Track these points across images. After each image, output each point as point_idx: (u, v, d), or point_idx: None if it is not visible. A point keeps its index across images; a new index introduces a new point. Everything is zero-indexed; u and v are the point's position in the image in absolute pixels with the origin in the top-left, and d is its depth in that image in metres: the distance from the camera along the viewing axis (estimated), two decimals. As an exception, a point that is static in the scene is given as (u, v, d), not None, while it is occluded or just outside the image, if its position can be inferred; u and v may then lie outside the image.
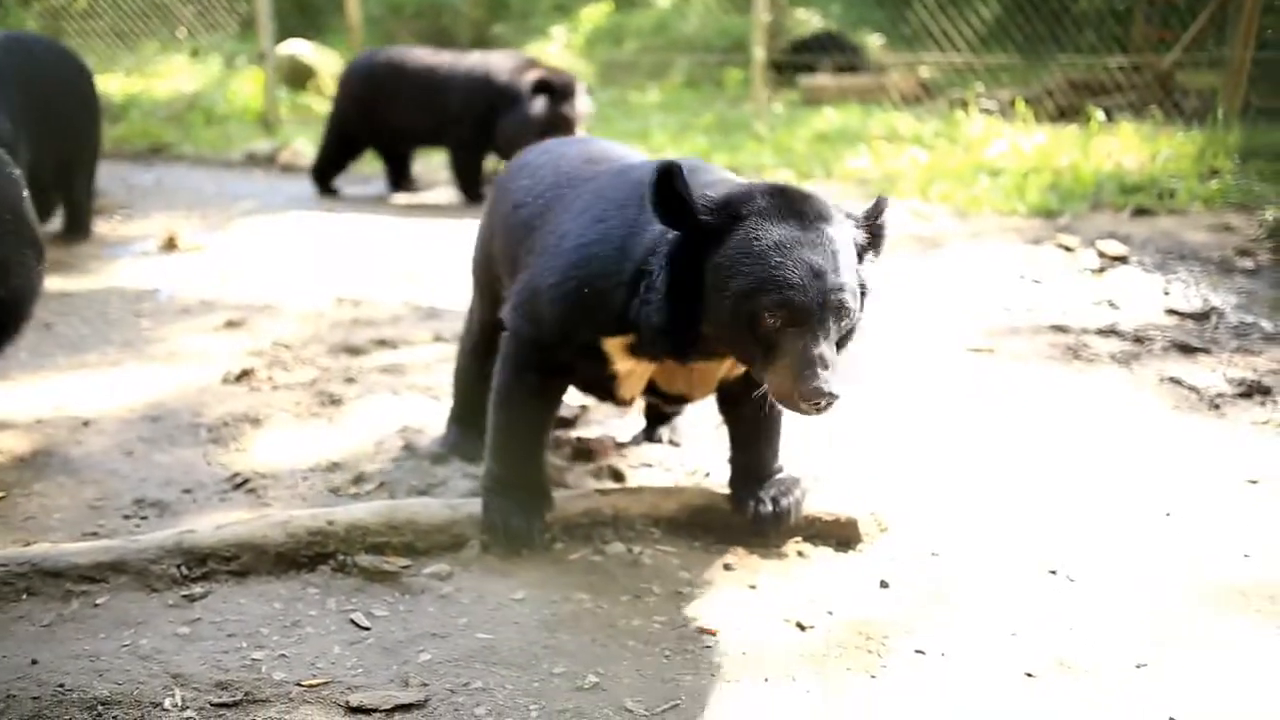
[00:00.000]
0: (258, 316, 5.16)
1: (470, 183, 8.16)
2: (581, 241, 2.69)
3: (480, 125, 7.75)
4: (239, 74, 12.94)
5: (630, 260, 2.58)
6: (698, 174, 2.70)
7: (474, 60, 8.01)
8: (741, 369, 2.79)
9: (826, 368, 2.32)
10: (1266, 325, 4.96)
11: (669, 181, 2.41)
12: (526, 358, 2.87)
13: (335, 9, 16.04)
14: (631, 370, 2.79)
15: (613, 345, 2.70)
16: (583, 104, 7.74)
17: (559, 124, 7.43)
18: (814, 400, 2.31)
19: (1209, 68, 10.75)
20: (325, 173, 8.54)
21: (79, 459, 3.53)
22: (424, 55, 8.21)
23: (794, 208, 2.45)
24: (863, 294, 2.55)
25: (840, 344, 2.50)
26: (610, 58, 15.71)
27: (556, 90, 7.59)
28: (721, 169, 2.89)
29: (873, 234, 2.61)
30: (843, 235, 2.47)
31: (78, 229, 6.72)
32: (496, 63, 7.90)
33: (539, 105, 7.56)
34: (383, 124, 8.17)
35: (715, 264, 2.44)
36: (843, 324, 2.43)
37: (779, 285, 2.34)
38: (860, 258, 2.56)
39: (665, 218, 2.46)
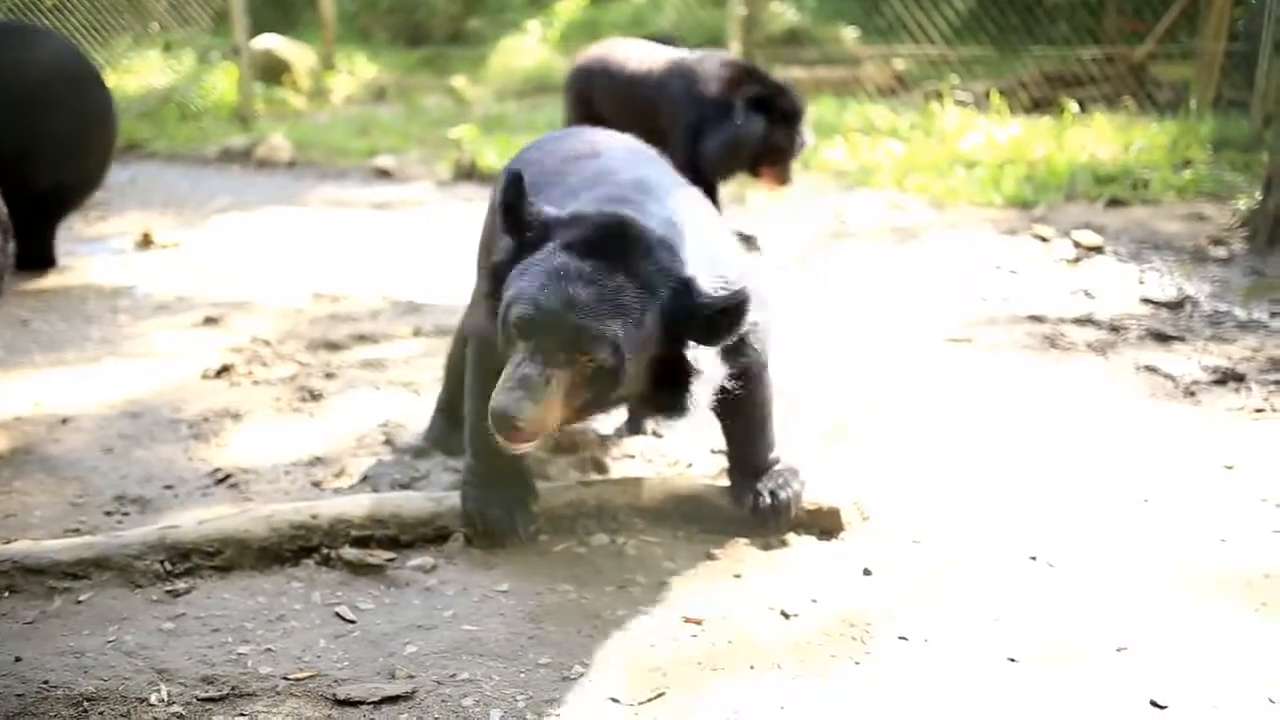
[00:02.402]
0: (236, 313, 5.14)
1: None
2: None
3: (694, 144, 6.30)
4: (213, 69, 12.85)
5: None
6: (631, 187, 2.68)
7: (684, 64, 6.51)
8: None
9: (525, 389, 2.28)
10: (1240, 313, 5.01)
11: (514, 191, 2.44)
12: (484, 355, 2.88)
13: (309, 3, 15.97)
14: None
15: None
16: (807, 131, 6.30)
17: (773, 154, 6.11)
18: (497, 415, 2.27)
19: (1181, 59, 10.85)
20: None
21: (59, 456, 3.51)
22: (632, 54, 6.81)
23: (596, 248, 2.39)
24: (679, 367, 2.45)
25: (602, 397, 2.45)
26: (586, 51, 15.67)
27: (777, 111, 6.07)
28: (665, 176, 2.88)
29: (721, 312, 2.39)
30: (633, 291, 2.37)
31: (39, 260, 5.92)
32: (708, 69, 6.36)
33: (751, 127, 6.05)
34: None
35: (513, 274, 2.47)
36: (586, 367, 2.34)
37: (525, 300, 2.34)
38: (677, 334, 2.43)
39: (507, 227, 2.49)
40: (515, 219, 2.48)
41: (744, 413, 2.95)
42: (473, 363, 2.97)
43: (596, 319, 2.31)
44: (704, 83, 6.24)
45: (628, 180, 2.72)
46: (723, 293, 2.40)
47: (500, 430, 2.30)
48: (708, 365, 2.52)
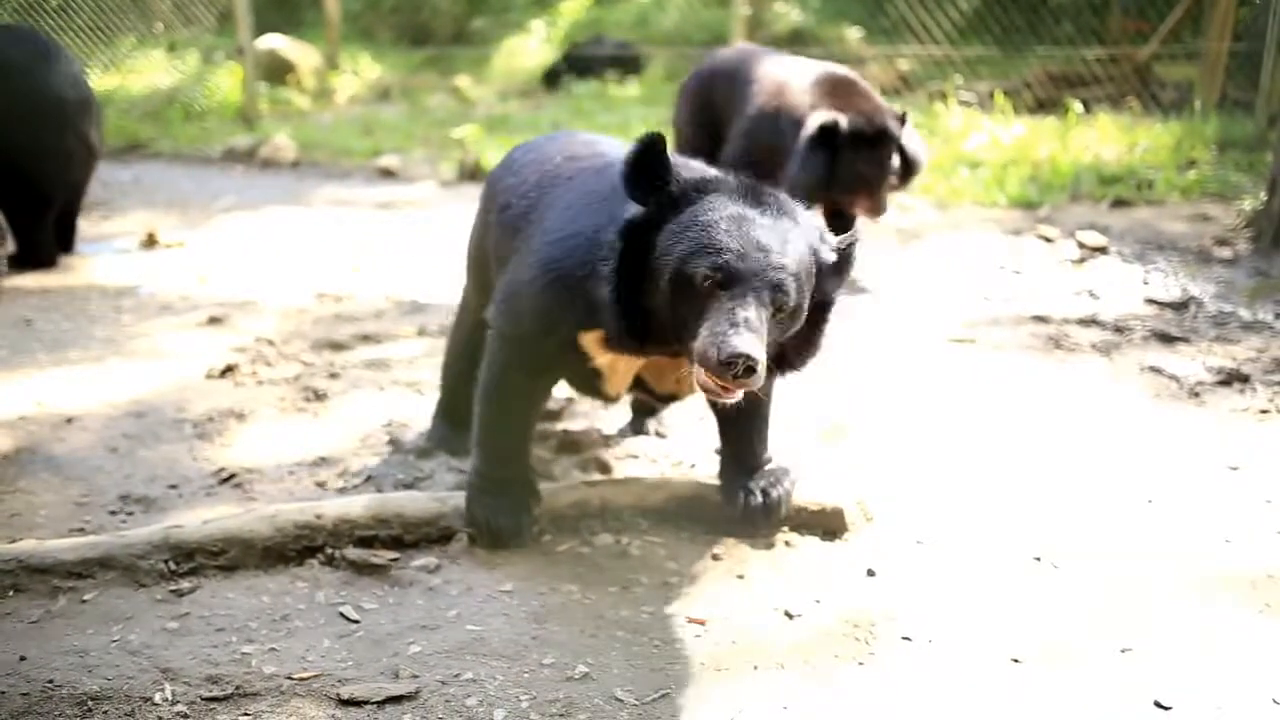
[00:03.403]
0: (240, 312, 5.14)
1: None
2: (558, 236, 2.69)
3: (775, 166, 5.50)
4: (217, 69, 12.86)
5: (601, 251, 2.57)
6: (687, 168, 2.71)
7: (776, 75, 5.77)
8: None
9: (751, 331, 2.26)
10: (1244, 314, 5.00)
11: (651, 151, 2.45)
12: (510, 356, 2.87)
13: (313, 3, 15.99)
14: (613, 365, 2.79)
15: (589, 340, 2.69)
16: (917, 149, 5.50)
17: (858, 182, 5.31)
18: (730, 359, 2.21)
19: (1186, 60, 10.84)
20: None
21: (63, 456, 3.51)
22: (757, 62, 6.06)
23: (759, 196, 2.49)
24: (819, 304, 2.57)
25: (781, 338, 2.49)
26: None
27: (857, 136, 5.25)
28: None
29: (839, 258, 2.59)
30: (801, 235, 2.47)
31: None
32: (797, 82, 5.63)
33: (810, 164, 5.29)
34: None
35: (667, 232, 2.45)
36: (780, 307, 2.38)
37: (719, 249, 2.34)
38: (819, 270, 2.53)
39: (634, 190, 2.47)
40: (648, 180, 2.47)
41: (743, 410, 2.95)
42: (498, 364, 2.90)
43: (791, 260, 2.39)
44: (789, 97, 5.60)
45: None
46: (843, 238, 2.59)
47: (733, 374, 2.24)
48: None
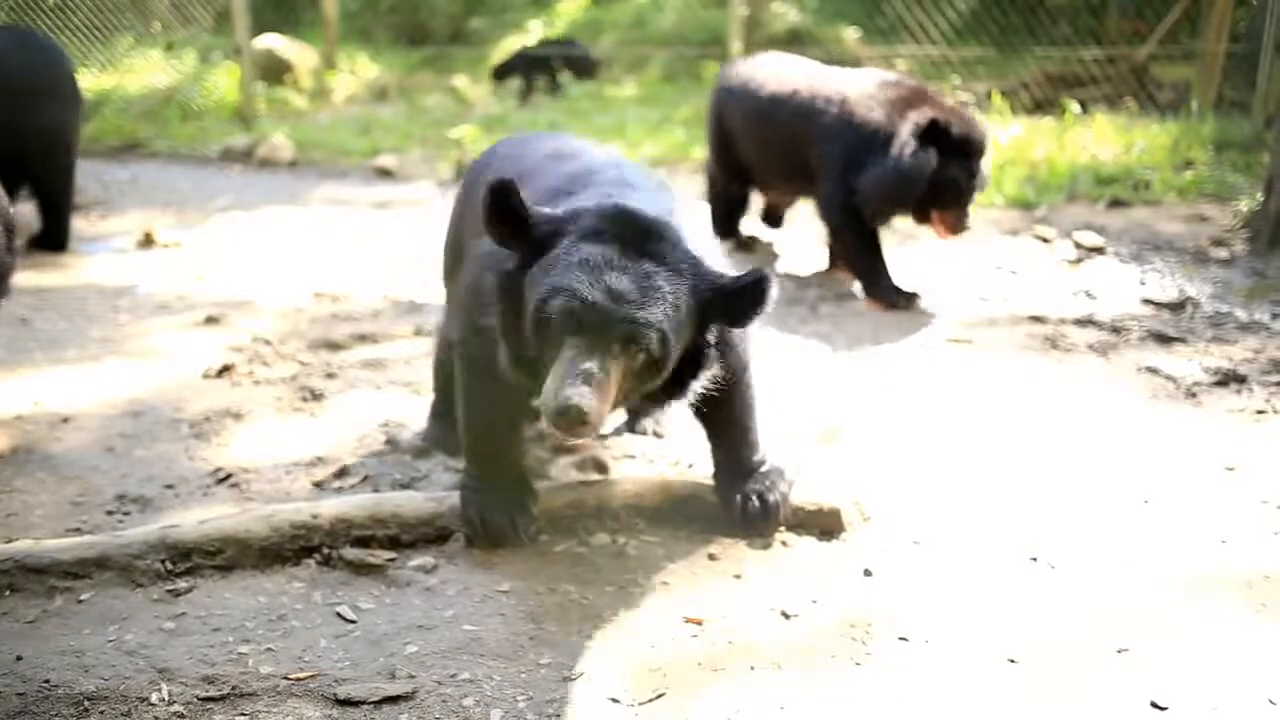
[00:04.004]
0: (237, 312, 5.14)
1: (862, 269, 5.44)
2: (485, 250, 2.68)
3: (845, 181, 5.23)
4: (214, 69, 12.85)
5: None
6: (594, 185, 2.69)
7: (834, 83, 5.43)
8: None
9: (589, 384, 2.25)
10: (1241, 314, 5.01)
11: (501, 195, 2.40)
12: (462, 361, 2.92)
13: (311, 3, 15.98)
14: None
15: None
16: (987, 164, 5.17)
17: (946, 195, 5.00)
18: (561, 410, 2.23)
19: (1183, 60, 10.85)
20: (718, 215, 6.36)
21: (60, 455, 3.51)
22: (776, 72, 5.77)
23: (621, 236, 2.40)
24: (697, 355, 2.50)
25: (642, 387, 2.46)
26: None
27: (955, 142, 4.93)
28: (643, 175, 2.86)
29: (731, 302, 2.46)
30: (669, 277, 2.39)
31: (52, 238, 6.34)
32: (866, 89, 5.28)
33: (919, 162, 4.92)
34: (737, 161, 6.07)
35: (530, 276, 2.44)
36: (635, 358, 2.35)
37: (569, 294, 2.31)
38: (704, 318, 2.48)
39: (496, 236, 2.45)
40: (513, 224, 2.44)
41: (727, 415, 2.98)
42: (465, 369, 2.94)
43: (643, 308, 2.32)
44: (861, 106, 5.18)
45: (612, 178, 2.74)
46: (748, 273, 2.44)
47: (565, 426, 2.27)
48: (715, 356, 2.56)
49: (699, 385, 2.58)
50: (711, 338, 2.53)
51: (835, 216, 5.36)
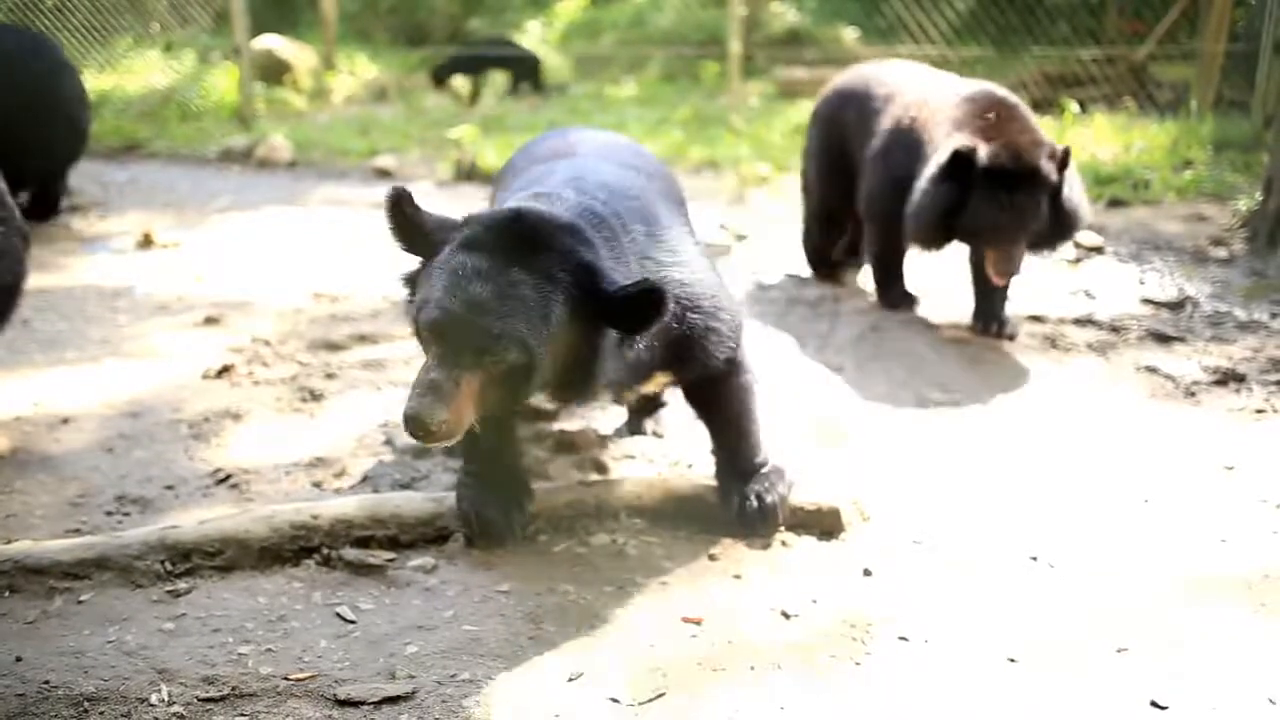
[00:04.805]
0: (236, 313, 5.14)
1: (883, 283, 5.28)
2: None
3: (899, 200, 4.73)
4: (213, 69, 12.85)
5: None
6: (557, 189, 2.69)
7: (916, 90, 4.99)
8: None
9: (434, 394, 2.27)
10: (1240, 314, 5.01)
11: (396, 204, 2.44)
12: None
13: (310, 3, 15.98)
14: None
15: None
16: (1076, 200, 4.52)
17: (987, 228, 4.42)
18: (407, 420, 2.27)
19: (1182, 60, 10.85)
20: (813, 236, 5.86)
21: (59, 456, 3.51)
22: (895, 79, 5.24)
23: (496, 245, 2.38)
24: (587, 362, 2.45)
25: (516, 393, 2.45)
26: (586, 52, 15.71)
27: (985, 173, 4.35)
28: (619, 169, 2.88)
29: (619, 312, 2.39)
30: (539, 286, 2.36)
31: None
32: (938, 105, 4.79)
33: (937, 192, 4.47)
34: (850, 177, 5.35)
35: (419, 280, 2.50)
36: (494, 367, 2.34)
37: (429, 304, 2.35)
38: (589, 325, 2.43)
39: (399, 241, 2.50)
40: (408, 233, 2.50)
41: (722, 417, 3.00)
42: None
43: (499, 318, 2.30)
44: (927, 125, 4.75)
45: (568, 177, 2.76)
46: (637, 283, 2.38)
47: (413, 434, 2.29)
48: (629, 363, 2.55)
49: (597, 388, 2.55)
50: (606, 344, 2.46)
51: (866, 207, 5.13)
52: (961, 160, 4.38)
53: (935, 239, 4.64)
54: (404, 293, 2.65)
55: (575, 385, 2.52)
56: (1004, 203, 4.35)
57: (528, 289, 2.35)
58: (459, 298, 2.31)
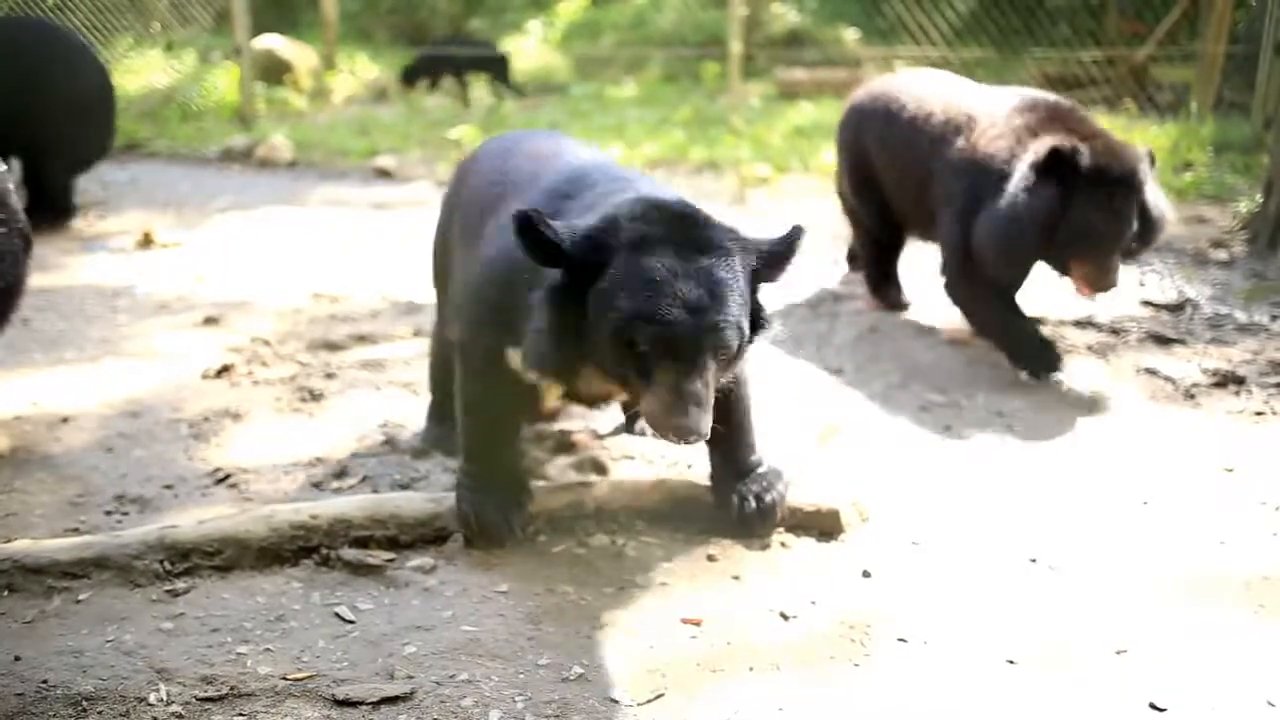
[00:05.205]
0: (236, 313, 5.14)
1: (972, 311, 4.53)
2: (498, 249, 2.68)
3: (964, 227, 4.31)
4: (214, 69, 12.86)
5: (519, 281, 2.56)
6: (589, 185, 2.69)
7: (963, 106, 4.54)
8: None
9: (698, 405, 2.32)
10: (1240, 316, 5.01)
11: (532, 228, 2.37)
12: (464, 362, 2.91)
13: (310, 3, 15.99)
14: (538, 379, 2.75)
15: (516, 356, 2.68)
16: (1160, 203, 4.16)
17: (1083, 236, 4.01)
18: (682, 435, 2.32)
19: (1182, 61, 10.85)
20: (866, 259, 5.41)
21: (59, 455, 3.51)
22: (921, 90, 4.83)
23: (670, 235, 2.40)
24: (757, 324, 2.54)
25: (724, 371, 2.49)
26: (587, 52, 15.71)
27: (1087, 175, 3.94)
28: (623, 173, 2.84)
29: (774, 263, 2.54)
30: (727, 265, 2.42)
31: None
32: (993, 113, 4.37)
33: (1034, 199, 3.99)
34: (880, 197, 5.09)
35: (596, 294, 2.41)
36: (721, 358, 2.41)
37: (654, 320, 2.32)
38: (754, 286, 2.53)
39: (540, 260, 2.43)
40: (550, 248, 2.39)
41: (724, 416, 2.97)
42: (467, 369, 2.93)
43: (718, 313, 2.36)
44: (983, 134, 4.29)
45: (605, 173, 2.76)
46: (786, 234, 2.55)
47: (683, 442, 2.35)
48: None
49: (759, 345, 2.64)
50: (762, 298, 2.58)
51: (954, 271, 4.48)
52: (1059, 161, 3.94)
53: (1028, 259, 4.18)
54: (540, 302, 2.50)
55: (745, 347, 2.56)
56: (1105, 208, 3.96)
57: (723, 272, 2.41)
58: (680, 304, 2.32)
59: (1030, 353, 4.29)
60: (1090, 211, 3.94)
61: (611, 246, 2.39)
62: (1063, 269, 4.19)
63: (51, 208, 6.84)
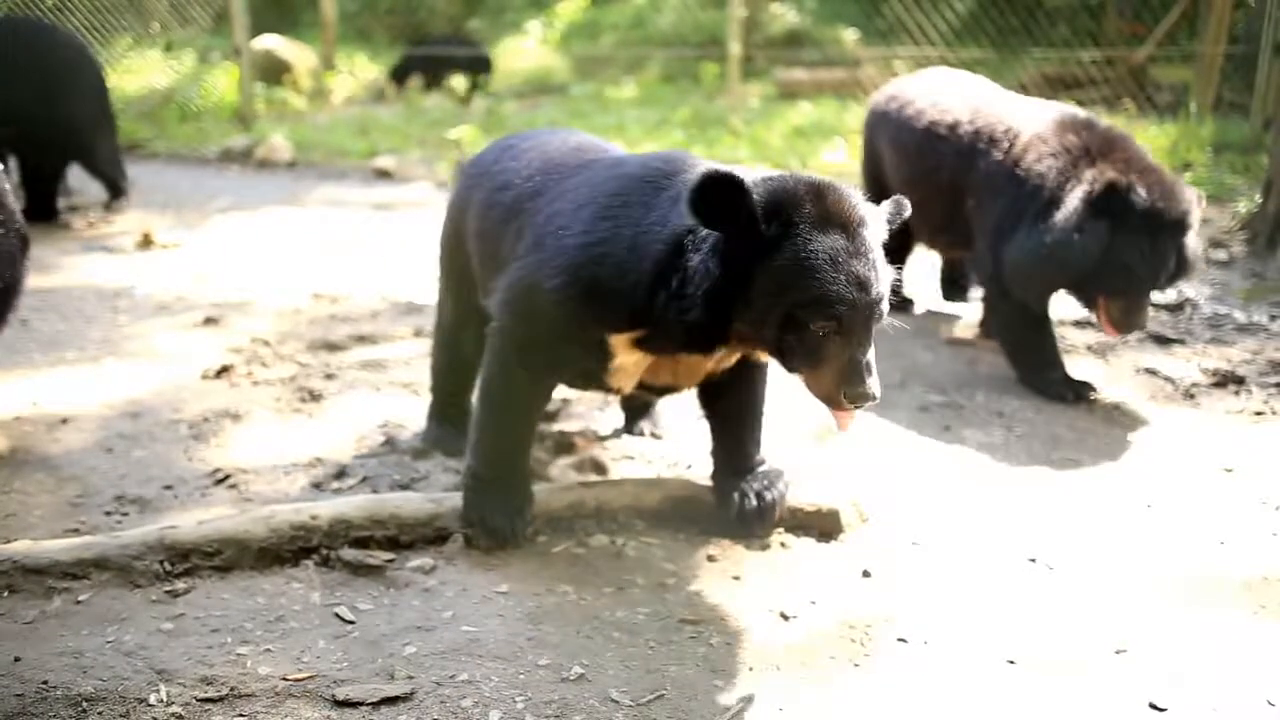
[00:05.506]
0: (235, 313, 5.14)
1: (1016, 349, 4.32)
2: (588, 240, 2.63)
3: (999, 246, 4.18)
4: (214, 69, 12.87)
5: (646, 259, 2.54)
6: (685, 166, 2.68)
7: (1001, 117, 4.35)
8: (730, 362, 2.82)
9: (871, 373, 2.46)
10: (1240, 316, 5.01)
11: (728, 190, 2.37)
12: (517, 355, 2.84)
13: (310, 3, 15.99)
14: (630, 363, 2.76)
15: (619, 341, 2.67)
16: (1195, 245, 3.96)
17: (1119, 276, 3.86)
18: (865, 400, 2.46)
19: (1181, 62, 10.85)
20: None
21: (58, 456, 3.51)
22: (938, 94, 4.72)
23: (840, 215, 2.44)
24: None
25: None
26: (586, 53, 15.71)
27: (1139, 214, 3.80)
28: (702, 161, 2.86)
29: (890, 233, 2.65)
30: (877, 239, 2.51)
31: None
32: (1039, 129, 4.18)
33: (1086, 237, 3.82)
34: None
35: (770, 270, 2.41)
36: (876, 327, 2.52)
37: (833, 301, 2.38)
38: None
39: (711, 223, 2.42)
40: (727, 213, 2.40)
41: (737, 409, 2.99)
42: (501, 363, 2.87)
43: (880, 284, 2.48)
44: (1027, 152, 4.13)
45: (683, 159, 2.76)
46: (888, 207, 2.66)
47: (857, 406, 2.49)
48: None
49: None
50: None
51: (996, 289, 4.35)
52: (1113, 196, 3.80)
53: (1058, 289, 4.10)
54: (705, 263, 2.48)
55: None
56: (1149, 251, 3.82)
57: (880, 249, 2.52)
58: (856, 284, 2.40)
59: (1058, 394, 4.12)
60: (1133, 252, 3.81)
61: (793, 222, 2.42)
62: (1089, 303, 4.06)
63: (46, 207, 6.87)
